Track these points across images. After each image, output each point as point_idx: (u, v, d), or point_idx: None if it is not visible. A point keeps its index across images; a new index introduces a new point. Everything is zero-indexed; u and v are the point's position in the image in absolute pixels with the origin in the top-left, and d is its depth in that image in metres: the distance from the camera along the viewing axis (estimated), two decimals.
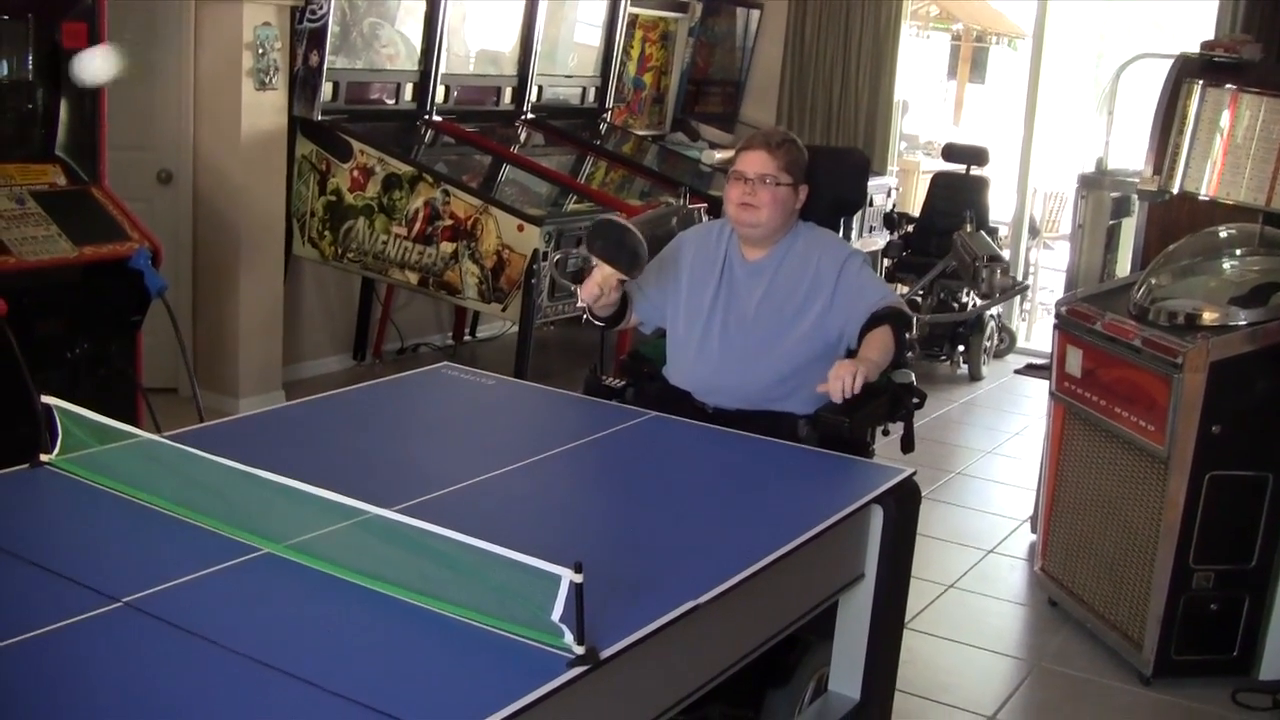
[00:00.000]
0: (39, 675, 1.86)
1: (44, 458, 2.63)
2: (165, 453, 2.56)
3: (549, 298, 5.82)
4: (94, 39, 4.54)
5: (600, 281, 3.34)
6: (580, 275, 5.33)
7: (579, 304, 3.48)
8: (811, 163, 3.54)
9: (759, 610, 2.56)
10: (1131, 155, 6.04)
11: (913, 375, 3.67)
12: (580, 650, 1.92)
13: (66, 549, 2.31)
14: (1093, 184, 6.21)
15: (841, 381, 3.07)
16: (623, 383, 3.69)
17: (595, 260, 3.35)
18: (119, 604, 2.06)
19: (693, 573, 2.33)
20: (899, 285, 8.14)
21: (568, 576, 1.90)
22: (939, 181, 8.45)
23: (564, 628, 1.92)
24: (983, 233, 7.34)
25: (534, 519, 2.67)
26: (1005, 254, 7.29)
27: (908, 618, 4.18)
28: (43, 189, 4.46)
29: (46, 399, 2.62)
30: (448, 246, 5.90)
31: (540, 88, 7.49)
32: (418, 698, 1.85)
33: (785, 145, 3.49)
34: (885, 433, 3.73)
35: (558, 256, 5.51)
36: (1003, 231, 8.74)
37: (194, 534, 2.36)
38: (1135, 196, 5.21)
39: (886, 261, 8.33)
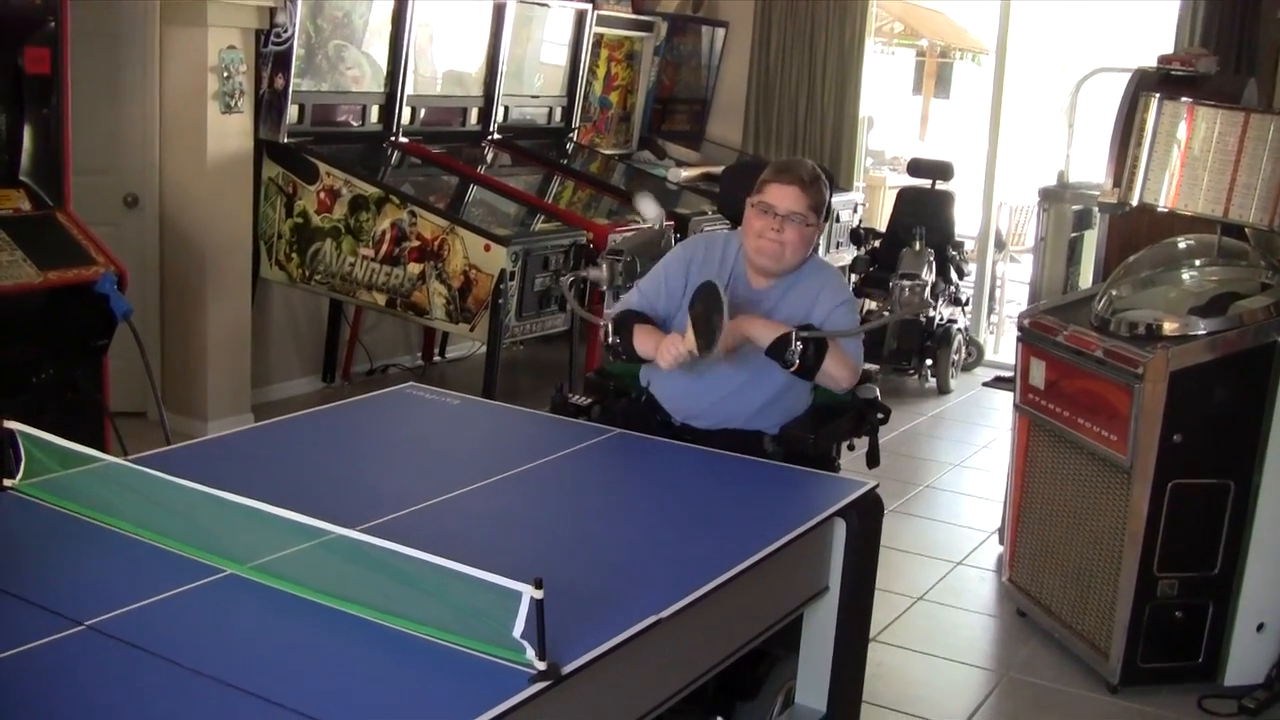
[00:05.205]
0: (2, 699, 1.86)
1: (7, 483, 2.63)
2: (128, 476, 2.57)
3: (516, 317, 5.83)
4: (57, 63, 4.53)
5: (675, 354, 3.26)
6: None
7: (642, 355, 3.44)
8: None
9: (723, 624, 2.58)
10: (1093, 168, 6.10)
11: (877, 391, 3.70)
12: (542, 666, 1.94)
13: (29, 573, 2.30)
14: (1054, 197, 6.27)
15: (670, 355, 3.23)
16: (589, 400, 3.69)
17: (689, 320, 3.26)
18: (82, 627, 2.06)
19: (656, 587, 2.35)
20: (866, 300, 8.18)
21: (528, 593, 1.92)
22: (905, 197, 8.48)
23: (526, 644, 1.94)
24: (929, 250, 7.43)
25: (498, 537, 2.68)
26: (927, 274, 7.43)
27: (877, 631, 4.23)
28: (7, 214, 4.44)
29: (10, 424, 2.62)
30: (415, 267, 5.91)
31: (506, 108, 7.49)
32: (381, 716, 1.87)
33: (817, 184, 3.40)
34: (850, 448, 3.75)
35: (569, 278, 5.30)
36: (969, 245, 8.78)
37: (158, 556, 2.36)
38: (1096, 209, 5.26)
39: (854, 277, 8.35)
